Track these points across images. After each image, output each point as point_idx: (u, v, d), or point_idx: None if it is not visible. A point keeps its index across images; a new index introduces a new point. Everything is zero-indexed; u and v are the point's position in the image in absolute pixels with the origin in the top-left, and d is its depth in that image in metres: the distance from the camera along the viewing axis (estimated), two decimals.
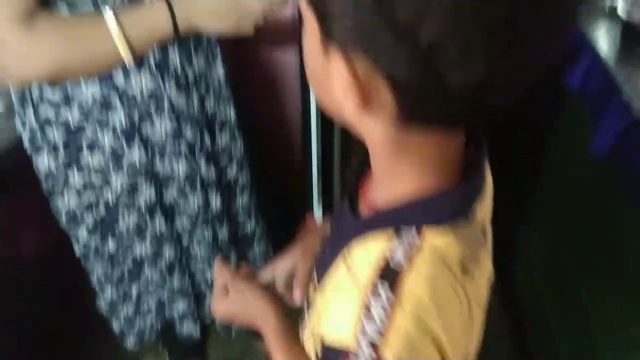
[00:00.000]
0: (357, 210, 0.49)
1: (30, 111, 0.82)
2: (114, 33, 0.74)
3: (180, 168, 0.91)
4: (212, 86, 0.94)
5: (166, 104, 0.85)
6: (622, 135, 0.91)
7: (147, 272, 1.01)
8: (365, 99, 0.37)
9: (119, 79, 0.80)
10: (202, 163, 0.93)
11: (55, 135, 0.83)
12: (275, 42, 1.34)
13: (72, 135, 0.83)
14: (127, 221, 0.92)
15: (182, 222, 0.99)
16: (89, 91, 0.80)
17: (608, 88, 0.97)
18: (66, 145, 0.84)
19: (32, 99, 0.81)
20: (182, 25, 0.78)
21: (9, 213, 0.98)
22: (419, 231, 0.41)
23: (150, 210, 0.92)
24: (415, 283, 0.39)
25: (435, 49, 0.32)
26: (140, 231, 0.95)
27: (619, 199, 0.96)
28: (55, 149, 0.84)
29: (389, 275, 0.39)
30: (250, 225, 1.13)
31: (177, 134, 0.88)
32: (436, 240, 0.40)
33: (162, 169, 0.90)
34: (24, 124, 0.84)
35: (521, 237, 1.45)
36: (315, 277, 0.56)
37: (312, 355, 0.47)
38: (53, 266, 1.10)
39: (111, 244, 0.95)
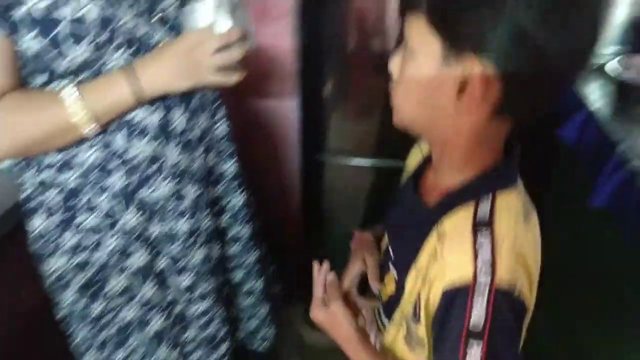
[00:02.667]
0: (423, 201, 0.65)
1: (29, 173, 0.81)
2: (74, 109, 0.72)
3: (181, 227, 0.90)
4: (214, 141, 0.95)
5: (168, 166, 0.85)
6: (621, 188, 0.92)
7: (134, 338, 0.95)
8: (475, 96, 0.51)
9: (120, 142, 0.79)
10: (205, 219, 0.93)
11: (52, 197, 0.82)
12: (273, 92, 1.36)
13: (69, 197, 0.82)
14: (116, 284, 0.89)
15: (179, 282, 0.95)
16: (89, 156, 0.79)
17: (604, 143, 0.99)
18: (62, 207, 0.82)
19: (31, 162, 0.80)
20: (143, 93, 0.75)
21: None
22: (493, 197, 0.57)
23: (141, 274, 0.89)
24: (505, 227, 0.54)
25: (544, 51, 0.47)
26: (129, 295, 0.91)
27: (620, 248, 0.96)
28: (50, 210, 0.83)
29: (483, 225, 0.54)
30: (251, 280, 1.10)
31: (178, 194, 0.87)
32: (504, 200, 0.57)
33: (158, 231, 0.88)
34: (21, 184, 0.83)
35: None
36: (394, 271, 0.69)
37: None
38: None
39: (98, 307, 0.91)
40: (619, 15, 1.24)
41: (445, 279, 0.53)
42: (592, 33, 0.50)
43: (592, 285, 1.09)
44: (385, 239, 0.77)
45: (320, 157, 1.44)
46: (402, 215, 0.71)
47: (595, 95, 1.14)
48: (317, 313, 0.72)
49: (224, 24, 0.73)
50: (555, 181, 1.38)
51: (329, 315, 0.71)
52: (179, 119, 0.84)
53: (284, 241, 1.57)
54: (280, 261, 1.29)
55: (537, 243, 0.58)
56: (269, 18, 1.46)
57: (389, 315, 0.70)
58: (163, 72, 0.75)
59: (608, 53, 1.27)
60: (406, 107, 0.59)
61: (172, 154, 0.84)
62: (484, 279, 0.50)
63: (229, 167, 0.99)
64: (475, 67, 0.50)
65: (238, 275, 1.09)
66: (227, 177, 1.00)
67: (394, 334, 0.67)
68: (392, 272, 0.70)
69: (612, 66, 1.05)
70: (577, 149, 1.10)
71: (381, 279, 0.75)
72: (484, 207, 0.56)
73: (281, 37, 1.33)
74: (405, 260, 0.63)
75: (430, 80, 0.54)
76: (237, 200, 1.02)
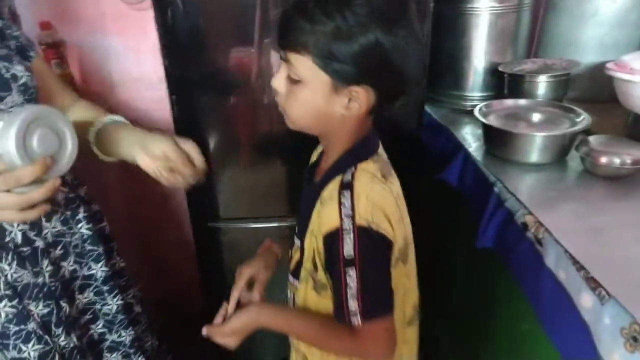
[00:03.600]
0: (315, 182, 0.81)
1: None
2: None
3: (31, 351, 0.79)
4: (72, 246, 0.87)
5: (2, 286, 0.76)
6: (502, 228, 0.98)
7: None
8: (359, 105, 0.71)
9: None
10: (62, 337, 0.83)
11: None
12: None
13: None
14: None
15: None
16: None
17: (483, 185, 1.06)
18: None
19: None
20: None
21: None
22: (355, 167, 0.75)
23: None
24: (361, 185, 0.72)
25: (406, 77, 0.71)
26: None
27: (508, 283, 1.01)
28: None
29: (345, 186, 0.73)
30: None
31: (22, 316, 0.78)
32: (363, 167, 0.75)
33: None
34: None
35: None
36: (298, 242, 0.85)
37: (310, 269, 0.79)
38: None
39: None
40: (481, 64, 1.37)
41: (322, 229, 0.73)
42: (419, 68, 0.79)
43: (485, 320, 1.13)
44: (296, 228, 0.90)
45: (212, 223, 1.39)
46: (303, 198, 0.86)
47: (470, 138, 1.23)
48: (229, 344, 0.79)
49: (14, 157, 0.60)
50: (447, 222, 1.45)
51: (235, 335, 0.79)
52: (14, 231, 0.76)
53: (185, 313, 1.47)
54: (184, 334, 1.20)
55: (395, 193, 0.76)
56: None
57: (296, 277, 0.85)
58: None
59: (477, 97, 1.40)
60: (300, 120, 0.75)
61: (9, 272, 0.76)
62: (347, 222, 0.70)
63: (97, 271, 0.91)
64: (359, 89, 0.69)
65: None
66: (96, 282, 0.91)
67: (304, 289, 0.82)
68: (297, 243, 0.86)
69: (478, 110, 1.13)
70: (461, 190, 1.16)
71: (291, 255, 0.90)
72: (348, 175, 0.73)
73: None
74: (303, 229, 0.81)
75: (314, 108, 0.72)
76: (110, 306, 0.93)
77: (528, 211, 0.90)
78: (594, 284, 0.72)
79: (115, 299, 0.92)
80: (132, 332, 0.97)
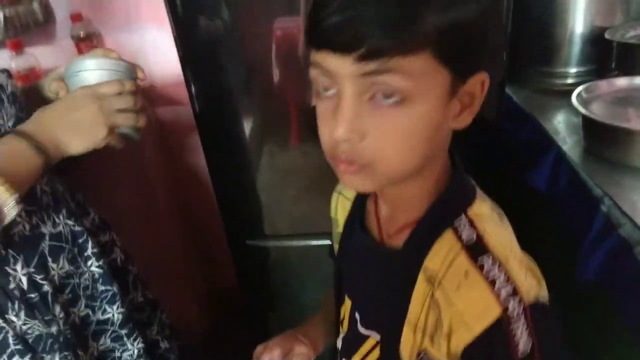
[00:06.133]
0: (386, 246, 0.58)
1: None
2: None
3: None
4: (82, 288, 0.77)
5: (12, 341, 0.67)
6: (612, 260, 0.75)
7: None
8: (475, 107, 0.49)
9: None
10: None
11: None
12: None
13: None
14: None
15: None
16: None
17: (582, 195, 0.82)
18: None
19: None
20: (44, 148, 0.64)
21: None
22: (465, 214, 0.52)
23: None
24: (494, 241, 0.50)
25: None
26: None
27: (615, 325, 0.78)
28: None
29: (477, 249, 0.49)
30: None
31: None
32: (477, 214, 0.52)
33: None
34: None
35: None
36: (374, 334, 0.60)
37: None
38: None
39: None
40: (580, 29, 1.08)
41: (470, 326, 0.48)
42: None
43: None
44: (346, 307, 0.67)
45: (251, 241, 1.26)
46: (363, 270, 0.62)
47: (564, 130, 0.97)
48: None
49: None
50: (535, 239, 1.20)
51: None
52: (17, 275, 0.67)
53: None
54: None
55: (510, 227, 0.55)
56: None
57: None
58: (56, 122, 0.67)
59: (573, 73, 1.12)
60: (404, 161, 0.48)
61: (17, 321, 0.67)
62: (512, 306, 0.47)
63: (112, 314, 0.80)
64: (479, 80, 0.48)
65: None
66: (112, 326, 0.81)
67: None
68: (371, 336, 0.60)
69: (577, 97, 0.88)
70: (552, 199, 0.92)
71: (353, 351, 0.64)
72: (466, 232, 0.51)
73: None
74: (389, 317, 0.56)
75: (439, 116, 0.47)
76: (131, 351, 0.82)
77: None
78: None
79: (137, 342, 0.82)
80: None
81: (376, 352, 0.60)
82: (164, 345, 0.90)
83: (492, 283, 0.47)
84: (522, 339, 0.46)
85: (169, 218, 1.52)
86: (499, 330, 0.46)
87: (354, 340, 0.63)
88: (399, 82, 0.43)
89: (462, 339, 0.48)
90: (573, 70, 1.11)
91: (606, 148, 0.83)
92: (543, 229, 1.12)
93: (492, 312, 0.46)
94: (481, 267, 0.48)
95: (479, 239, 0.50)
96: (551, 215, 0.96)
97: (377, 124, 0.45)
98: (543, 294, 0.49)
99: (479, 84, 0.47)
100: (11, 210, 0.59)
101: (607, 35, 1.02)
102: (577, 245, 0.81)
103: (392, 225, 0.57)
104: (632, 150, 0.80)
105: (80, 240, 0.76)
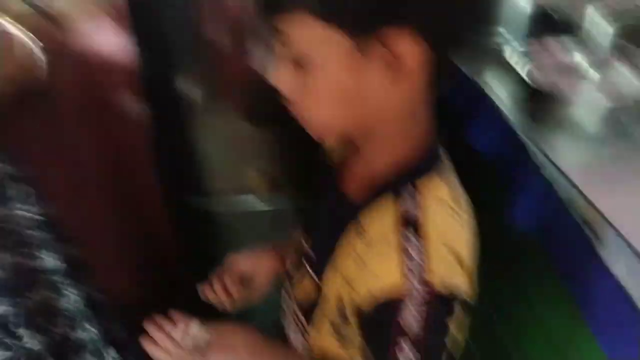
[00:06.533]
0: (344, 195, 0.58)
1: None
2: None
3: None
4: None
5: None
6: (546, 214, 0.81)
7: None
8: (410, 69, 0.45)
9: None
10: None
11: None
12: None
13: None
14: None
15: None
16: None
17: (518, 154, 0.88)
18: None
19: None
20: None
21: None
22: (414, 185, 0.50)
23: None
24: (430, 221, 0.48)
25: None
26: None
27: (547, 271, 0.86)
28: None
29: (410, 223, 0.48)
30: None
31: None
32: (428, 188, 0.50)
33: None
34: None
35: None
36: (313, 274, 0.61)
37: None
38: None
39: None
40: None
41: (372, 290, 0.47)
42: None
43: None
44: (304, 244, 0.68)
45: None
46: (321, 213, 0.65)
47: (502, 90, 1.03)
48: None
49: None
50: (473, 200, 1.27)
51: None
52: None
53: None
54: None
55: (469, 226, 0.52)
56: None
57: (306, 315, 0.63)
58: None
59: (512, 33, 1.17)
60: (329, 120, 0.50)
61: None
62: (415, 285, 0.45)
63: (47, 260, 0.76)
64: (397, 40, 0.43)
65: None
66: (49, 274, 0.77)
67: (319, 335, 0.61)
68: (310, 274, 0.63)
69: (516, 59, 0.93)
70: (488, 158, 0.98)
71: (293, 278, 0.68)
72: (407, 203, 0.50)
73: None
74: (323, 260, 0.58)
75: (349, 78, 0.46)
76: (72, 299, 0.79)
77: (579, 192, 0.72)
78: None
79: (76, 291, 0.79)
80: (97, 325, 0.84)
81: (309, 286, 0.62)
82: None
83: (407, 258, 0.46)
84: (409, 322, 0.45)
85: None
86: (393, 303, 0.46)
87: (299, 270, 0.66)
88: (292, 45, 0.46)
89: (363, 297, 0.49)
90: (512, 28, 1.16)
91: (542, 110, 0.90)
92: (480, 186, 1.19)
93: (393, 282, 0.46)
94: (404, 240, 0.47)
95: (416, 213, 0.49)
96: (488, 172, 1.01)
97: (297, 87, 0.48)
98: (463, 290, 0.48)
99: (401, 42, 0.44)
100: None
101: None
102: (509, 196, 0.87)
103: (355, 178, 0.59)
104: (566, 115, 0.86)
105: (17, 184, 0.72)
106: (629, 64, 0.89)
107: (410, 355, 0.45)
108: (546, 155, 0.81)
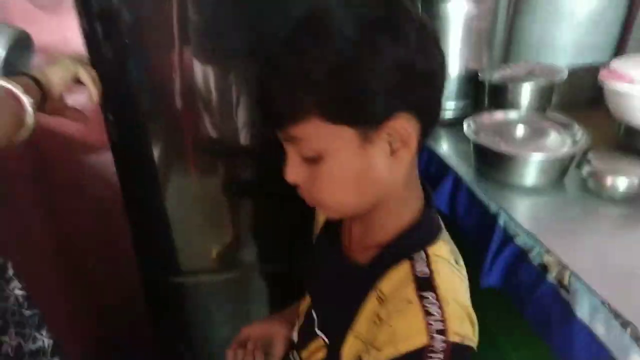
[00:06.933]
0: (351, 260, 0.65)
1: None
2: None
3: None
4: (9, 312, 0.66)
5: None
6: (510, 265, 0.87)
7: None
8: (407, 146, 0.54)
9: None
10: None
11: None
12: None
13: None
14: None
15: None
16: None
17: (480, 214, 0.94)
18: None
19: None
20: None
21: None
22: (425, 252, 0.58)
23: None
24: (442, 282, 0.55)
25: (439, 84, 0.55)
26: None
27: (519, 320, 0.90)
28: None
29: (425, 284, 0.55)
30: None
31: None
32: (436, 253, 0.59)
33: None
34: None
35: None
36: (323, 336, 0.66)
37: None
38: None
39: None
40: (456, 70, 1.25)
41: (398, 345, 0.53)
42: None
43: None
44: (304, 304, 0.74)
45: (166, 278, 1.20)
46: (327, 277, 0.70)
47: (453, 157, 1.11)
48: None
49: None
50: None
51: None
52: None
53: None
54: None
55: (465, 278, 0.62)
56: None
57: None
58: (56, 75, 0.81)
59: (452, 107, 1.28)
60: (344, 201, 0.57)
61: None
62: (438, 341, 0.52)
63: (41, 341, 0.71)
64: (395, 121, 0.52)
65: None
66: (44, 356, 0.72)
67: None
68: (321, 337, 0.67)
69: (467, 127, 1.01)
70: (455, 220, 1.04)
71: (302, 346, 0.72)
72: (421, 266, 0.57)
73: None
74: (338, 324, 0.63)
75: (349, 176, 0.54)
76: None
77: (546, 250, 0.79)
78: None
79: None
80: None
81: (322, 352, 0.66)
82: None
83: (428, 315, 0.53)
84: None
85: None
86: (419, 356, 0.52)
87: (308, 336, 0.69)
88: (304, 145, 0.53)
89: (386, 355, 0.54)
90: (454, 104, 1.27)
91: (495, 170, 0.97)
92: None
93: (419, 339, 0.52)
94: (423, 300, 0.54)
95: (430, 276, 0.56)
96: (455, 233, 1.07)
97: (310, 176, 0.56)
98: (471, 339, 0.55)
99: (400, 125, 0.52)
100: (26, 98, 0.68)
101: (480, 76, 1.20)
102: (480, 258, 0.91)
103: (360, 243, 0.64)
104: (515, 171, 0.94)
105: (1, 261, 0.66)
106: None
107: None
108: (512, 219, 0.87)
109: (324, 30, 0.49)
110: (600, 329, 0.69)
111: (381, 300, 0.58)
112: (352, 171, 0.54)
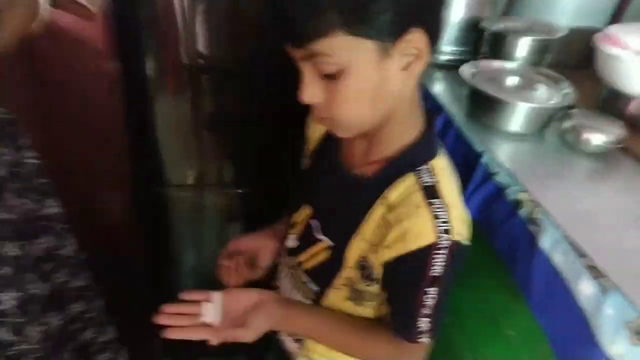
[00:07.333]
0: (354, 174, 0.70)
1: None
2: None
3: (7, 302, 0.71)
4: (26, 180, 0.72)
5: None
6: (488, 201, 0.95)
7: None
8: (419, 61, 0.57)
9: None
10: (36, 284, 0.74)
11: None
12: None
13: None
14: None
15: None
16: None
17: (467, 152, 1.01)
18: None
19: None
20: None
21: None
22: (427, 165, 0.65)
23: None
24: (445, 190, 0.63)
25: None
26: None
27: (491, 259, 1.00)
28: None
29: (431, 191, 0.62)
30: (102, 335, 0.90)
31: None
32: (439, 166, 0.66)
33: None
34: None
35: None
36: (328, 240, 0.72)
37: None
38: None
39: None
40: (459, 15, 1.27)
41: (408, 243, 0.61)
42: None
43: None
44: (301, 214, 0.78)
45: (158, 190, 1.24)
46: (329, 190, 0.74)
47: (446, 98, 1.16)
48: (243, 336, 0.67)
49: None
50: None
51: (252, 329, 0.67)
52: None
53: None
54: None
55: (458, 185, 0.68)
56: None
57: (320, 281, 0.74)
58: None
59: (450, 51, 1.31)
60: (362, 118, 0.60)
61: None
62: (444, 240, 0.60)
63: (51, 208, 0.76)
64: (413, 38, 0.55)
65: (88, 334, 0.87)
66: (52, 221, 0.77)
67: (335, 297, 0.73)
68: (325, 241, 0.73)
69: (464, 71, 1.05)
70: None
71: (301, 251, 0.77)
72: (426, 177, 0.64)
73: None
74: (344, 228, 0.69)
75: (367, 89, 0.57)
76: (70, 247, 0.79)
77: (522, 188, 0.86)
78: (595, 273, 0.71)
79: (72, 238, 0.82)
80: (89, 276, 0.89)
81: (324, 254, 0.73)
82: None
83: (436, 218, 0.61)
84: (437, 266, 0.61)
85: None
86: (427, 252, 0.60)
87: (307, 241, 0.75)
88: (326, 61, 0.55)
89: (397, 251, 0.63)
90: (451, 48, 1.30)
91: (484, 114, 1.03)
92: None
93: (428, 237, 0.60)
94: (430, 204, 0.62)
95: (434, 185, 0.63)
96: None
97: (327, 92, 0.58)
98: (468, 239, 0.64)
99: (416, 39, 0.56)
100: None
101: (481, 24, 1.23)
102: (461, 191, 0.99)
103: (363, 158, 0.68)
104: (503, 116, 1.00)
105: (11, 128, 0.72)
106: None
107: (434, 295, 0.62)
108: (494, 159, 0.94)
109: None
110: (558, 258, 0.78)
111: (389, 207, 0.64)
112: (371, 85, 0.57)
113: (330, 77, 0.56)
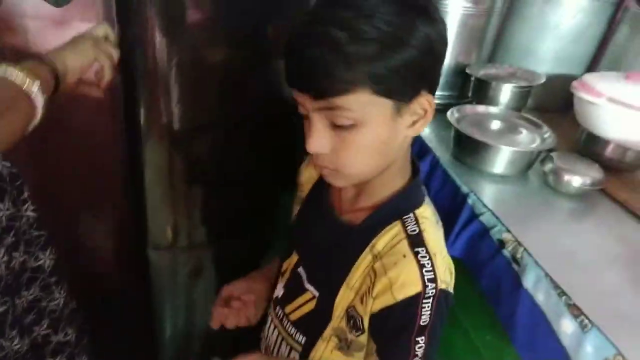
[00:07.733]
0: (343, 220, 0.72)
1: None
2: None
3: None
4: (21, 231, 0.74)
5: None
6: (473, 239, 0.98)
7: None
8: (426, 119, 0.63)
9: None
10: (15, 339, 0.72)
11: None
12: None
13: None
14: None
15: None
16: None
17: (452, 193, 1.05)
18: None
19: None
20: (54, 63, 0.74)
21: None
22: (414, 213, 0.67)
23: None
24: (430, 238, 0.65)
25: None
26: None
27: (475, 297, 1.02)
28: None
29: (417, 241, 0.64)
30: None
31: None
32: (423, 215, 0.68)
33: None
34: None
35: None
36: (313, 290, 0.73)
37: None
38: None
39: None
40: (447, 61, 1.34)
41: (394, 293, 0.62)
42: None
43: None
44: (290, 262, 0.79)
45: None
46: (318, 237, 0.75)
47: (433, 140, 1.21)
48: None
49: None
50: None
51: None
52: None
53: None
54: None
55: (442, 232, 0.72)
56: None
57: (308, 332, 0.74)
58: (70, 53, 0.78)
59: (438, 95, 1.38)
60: (366, 168, 0.63)
61: None
62: (430, 289, 0.61)
63: (44, 260, 0.78)
64: (422, 99, 0.60)
65: None
66: (42, 274, 0.78)
67: (324, 348, 0.72)
68: (310, 291, 0.74)
69: (451, 114, 1.11)
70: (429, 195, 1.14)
71: (288, 301, 0.77)
72: (412, 226, 0.66)
73: None
74: (331, 278, 0.70)
75: (387, 133, 0.60)
76: (57, 301, 0.80)
77: (506, 229, 0.90)
78: (576, 312, 0.74)
79: (62, 293, 0.81)
80: (76, 329, 0.85)
81: (311, 304, 0.73)
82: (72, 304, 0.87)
83: (421, 267, 0.62)
84: (425, 315, 0.61)
85: None
86: (414, 302, 0.61)
87: (294, 292, 0.75)
88: (345, 114, 0.57)
89: (384, 302, 0.63)
90: (440, 93, 1.37)
91: (469, 156, 1.08)
92: None
93: (415, 287, 0.61)
94: (416, 254, 0.63)
95: (420, 234, 0.65)
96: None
97: (336, 142, 0.60)
98: (452, 286, 0.66)
99: (424, 102, 0.61)
100: (38, 94, 0.65)
101: (467, 71, 1.30)
102: (448, 230, 1.03)
103: (352, 205, 0.71)
104: (487, 159, 1.05)
105: (17, 183, 0.71)
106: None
107: (423, 344, 0.62)
108: (480, 200, 0.98)
109: (363, 5, 0.53)
110: (540, 297, 0.81)
111: (376, 256, 0.66)
112: (380, 140, 0.60)
113: (341, 128, 0.58)
